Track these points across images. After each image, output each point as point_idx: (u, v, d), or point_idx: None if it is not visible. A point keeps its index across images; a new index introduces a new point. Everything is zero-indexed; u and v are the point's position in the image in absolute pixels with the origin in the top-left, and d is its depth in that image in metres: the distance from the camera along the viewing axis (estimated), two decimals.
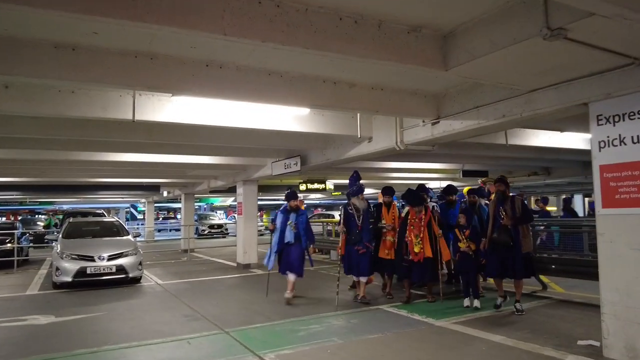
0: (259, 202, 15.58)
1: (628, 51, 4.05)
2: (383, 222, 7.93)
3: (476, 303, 7.10)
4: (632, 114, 4.42)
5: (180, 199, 22.94)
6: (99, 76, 4.59)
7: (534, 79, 4.89)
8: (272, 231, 8.02)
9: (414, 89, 6.42)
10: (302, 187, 17.33)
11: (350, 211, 7.74)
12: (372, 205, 8.41)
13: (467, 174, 15.17)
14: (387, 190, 8.31)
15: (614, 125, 4.54)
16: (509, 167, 16.23)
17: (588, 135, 9.55)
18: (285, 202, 8.00)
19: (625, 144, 4.47)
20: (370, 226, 7.76)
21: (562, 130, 9.01)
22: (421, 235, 7.32)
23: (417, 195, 7.69)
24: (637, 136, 4.37)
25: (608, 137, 4.60)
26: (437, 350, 5.36)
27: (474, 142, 8.91)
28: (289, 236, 7.62)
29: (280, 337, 5.94)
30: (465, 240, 7.26)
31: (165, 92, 5.28)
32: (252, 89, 5.35)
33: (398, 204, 9.81)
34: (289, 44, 3.67)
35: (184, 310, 7.60)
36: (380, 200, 8.41)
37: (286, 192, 8.11)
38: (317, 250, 15.56)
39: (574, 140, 9.76)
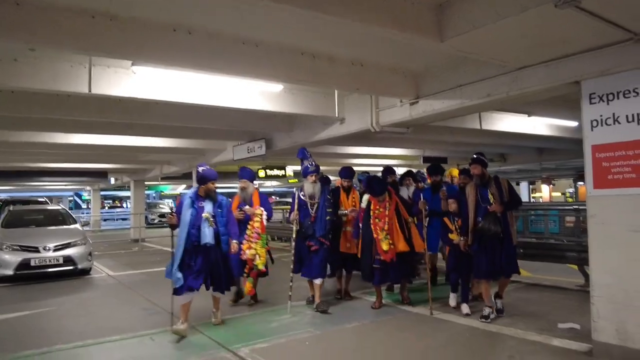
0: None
1: (630, 25, 3.88)
2: (342, 208, 6.67)
3: (465, 309, 5.96)
4: (627, 92, 4.27)
5: (129, 186, 21.97)
6: (49, 37, 3.95)
7: (526, 55, 4.68)
8: (173, 226, 5.50)
9: (394, 66, 6.13)
10: (261, 173, 16.82)
11: (303, 198, 6.36)
12: (329, 188, 6.81)
13: (427, 160, 15.18)
14: (346, 172, 6.86)
15: (608, 103, 4.39)
16: (466, 154, 16.43)
17: (552, 121, 9.87)
18: (195, 187, 5.69)
19: (619, 123, 4.33)
20: (328, 217, 6.27)
21: (529, 114, 9.02)
22: (386, 228, 6.02)
23: (380, 182, 6.33)
24: (633, 115, 4.24)
25: (601, 116, 4.44)
26: (420, 337, 5.16)
27: (440, 126, 8.82)
28: (207, 236, 5.30)
29: (253, 330, 5.58)
30: (457, 232, 6.00)
31: (125, 58, 4.73)
32: (223, 59, 4.86)
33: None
34: (283, 1, 3.21)
35: (143, 303, 7.03)
36: (338, 184, 7.11)
37: (201, 168, 5.60)
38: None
39: (539, 125, 9.84)
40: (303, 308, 6.46)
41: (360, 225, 6.34)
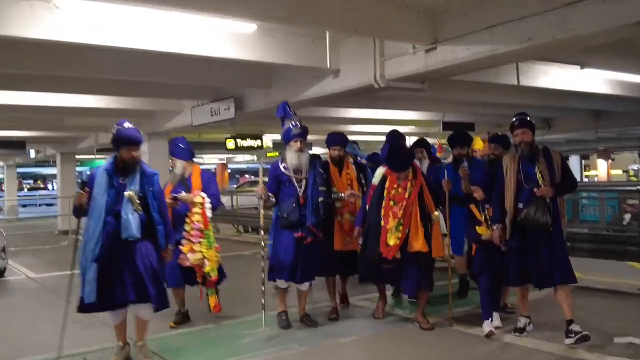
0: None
1: None
2: (334, 189, 6.33)
3: (497, 321, 5.68)
4: None
5: (54, 161, 21.88)
6: None
7: None
8: (81, 210, 4.93)
9: (403, 1, 6.11)
10: (230, 144, 16.82)
11: (285, 172, 6.03)
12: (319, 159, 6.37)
13: (448, 126, 15.24)
14: (336, 138, 6.60)
15: None
16: (500, 119, 16.51)
17: (612, 74, 9.91)
18: (112, 156, 5.03)
19: None
20: (321, 198, 5.97)
21: (582, 66, 9.07)
22: (401, 215, 5.74)
23: (406, 152, 6.13)
24: None
25: None
26: (441, 355, 5.29)
27: (465, 81, 8.85)
28: (131, 225, 4.69)
29: (218, 346, 5.67)
30: (486, 223, 5.64)
31: None
32: None
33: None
34: None
35: (73, 314, 7.05)
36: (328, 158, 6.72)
37: (117, 127, 4.91)
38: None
39: (595, 80, 9.91)
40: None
41: (367, 207, 6.10)
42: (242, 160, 34.22)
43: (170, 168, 6.28)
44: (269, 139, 17.99)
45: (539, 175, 5.24)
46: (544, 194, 5.17)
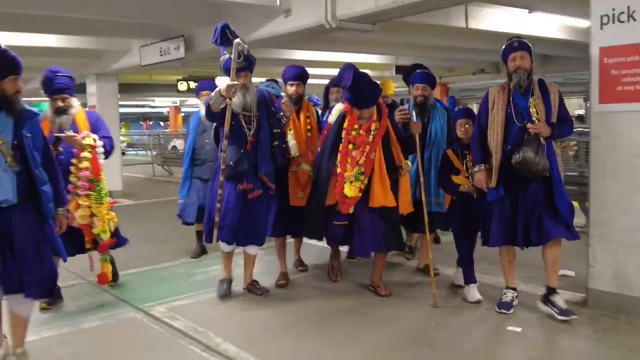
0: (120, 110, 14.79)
1: None
2: (289, 136, 5.41)
3: (476, 292, 5.03)
4: None
5: None
6: None
7: None
8: None
9: None
10: (182, 86, 16.45)
11: (233, 109, 4.86)
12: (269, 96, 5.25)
13: (401, 69, 15.23)
14: (294, 71, 5.61)
15: None
16: (450, 62, 16.61)
17: (560, 19, 10.03)
18: None
19: (634, 20, 4.46)
20: (276, 143, 5.07)
21: (530, 10, 9.15)
22: (362, 162, 4.87)
23: (372, 85, 5.04)
24: None
25: (614, 10, 4.55)
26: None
27: (416, 23, 8.84)
28: (4, 187, 3.32)
29: (170, 285, 5.77)
30: (467, 172, 4.90)
31: None
32: None
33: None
34: None
35: None
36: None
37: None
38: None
39: (542, 24, 10.00)
40: (237, 257, 5.58)
41: (319, 150, 5.27)
42: (196, 103, 33.59)
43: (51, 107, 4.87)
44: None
45: (532, 110, 4.41)
46: (539, 131, 4.33)
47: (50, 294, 3.77)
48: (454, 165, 4.95)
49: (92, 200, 4.76)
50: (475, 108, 9.68)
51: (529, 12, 9.27)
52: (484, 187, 4.63)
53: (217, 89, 4.69)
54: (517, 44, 4.56)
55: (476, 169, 4.65)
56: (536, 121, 4.36)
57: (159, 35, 10.22)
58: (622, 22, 4.54)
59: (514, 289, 4.80)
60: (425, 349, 4.14)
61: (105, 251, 5.06)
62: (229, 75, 4.75)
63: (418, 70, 5.73)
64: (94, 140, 4.79)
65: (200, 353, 4.16)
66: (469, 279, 5.08)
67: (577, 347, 4.15)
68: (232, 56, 4.71)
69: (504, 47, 4.64)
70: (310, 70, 5.71)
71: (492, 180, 4.53)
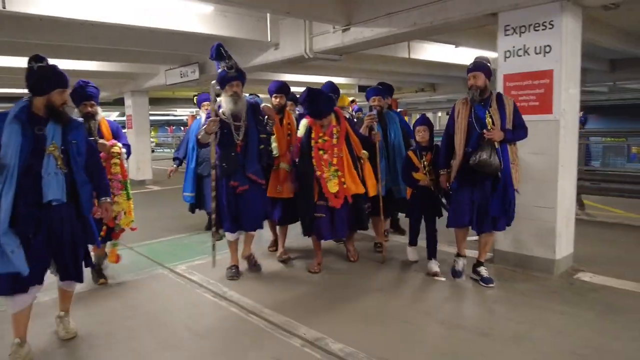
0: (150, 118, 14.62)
1: None
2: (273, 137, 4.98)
3: (435, 266, 4.78)
4: (537, 25, 4.53)
5: None
6: None
7: None
8: None
9: None
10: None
11: (224, 118, 4.43)
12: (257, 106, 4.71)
13: (363, 89, 15.30)
14: (277, 85, 5.21)
15: (520, 35, 4.65)
16: (398, 83, 16.70)
17: (477, 52, 10.06)
18: (24, 99, 3.07)
19: (528, 54, 4.62)
20: (262, 146, 4.62)
21: (457, 45, 9.25)
22: (335, 162, 4.59)
23: (326, 98, 4.71)
24: (540, 47, 4.53)
25: (514, 47, 4.72)
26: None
27: (373, 55, 8.90)
28: (54, 187, 2.98)
29: (189, 249, 5.77)
30: (425, 169, 4.70)
31: None
32: None
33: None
34: None
35: None
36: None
37: (39, 65, 3.06)
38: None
39: (466, 56, 10.10)
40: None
41: (297, 161, 4.87)
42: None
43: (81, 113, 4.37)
44: None
45: (488, 120, 4.16)
46: (492, 137, 4.07)
47: (81, 279, 3.32)
48: (414, 164, 4.74)
49: (122, 198, 4.51)
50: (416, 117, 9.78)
51: (455, 47, 9.37)
52: (445, 187, 4.53)
53: (203, 127, 4.38)
54: (472, 66, 4.29)
55: (442, 172, 4.49)
56: (490, 128, 4.11)
57: (180, 62, 10.13)
58: (520, 56, 4.71)
59: (464, 256, 4.66)
60: (376, 294, 4.29)
61: (118, 238, 4.71)
62: (222, 87, 4.49)
63: (370, 87, 5.59)
64: (119, 148, 4.48)
65: (211, 298, 4.23)
66: (411, 242, 5.13)
67: (483, 290, 4.30)
68: (211, 96, 4.49)
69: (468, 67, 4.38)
70: (293, 89, 5.71)
71: (452, 175, 4.39)
